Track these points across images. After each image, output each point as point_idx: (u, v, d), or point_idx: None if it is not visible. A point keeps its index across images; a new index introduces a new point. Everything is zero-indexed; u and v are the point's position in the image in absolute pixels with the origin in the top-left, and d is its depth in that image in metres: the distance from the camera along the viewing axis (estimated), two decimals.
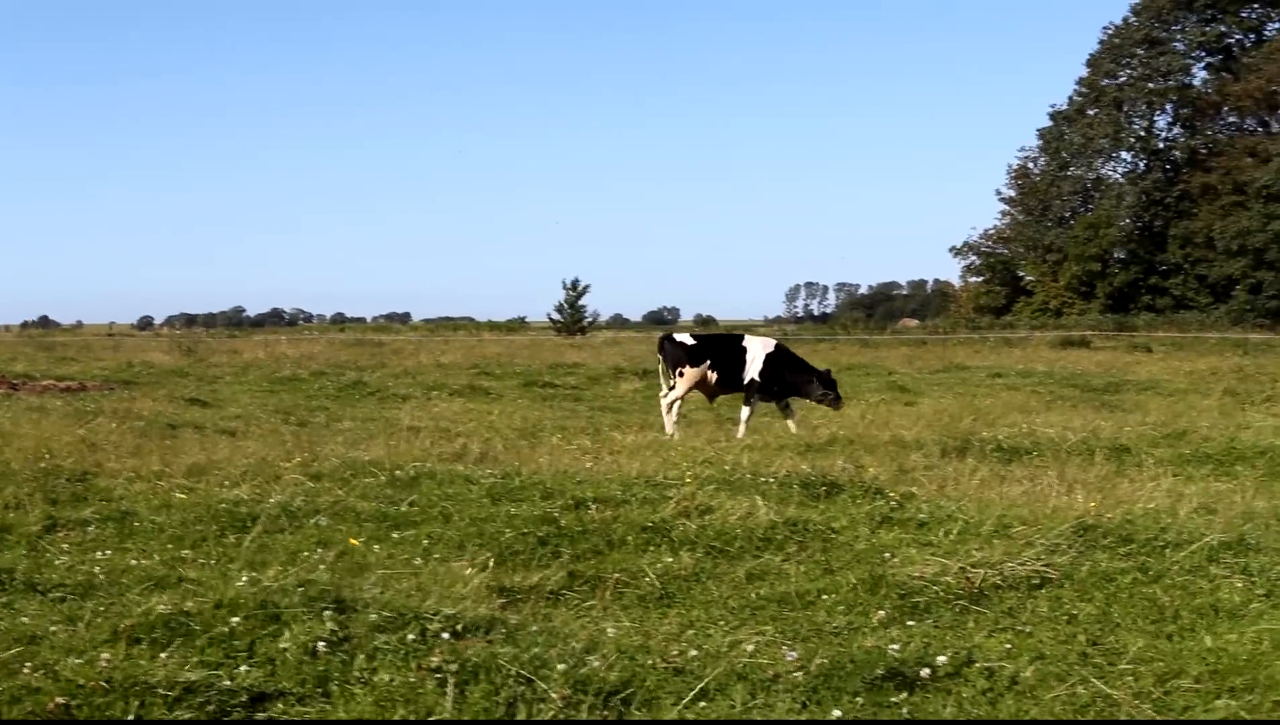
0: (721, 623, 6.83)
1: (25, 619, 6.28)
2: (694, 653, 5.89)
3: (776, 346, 17.51)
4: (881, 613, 6.93)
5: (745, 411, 16.95)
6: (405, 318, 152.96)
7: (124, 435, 14.35)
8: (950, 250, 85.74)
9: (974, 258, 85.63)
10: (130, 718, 5.00)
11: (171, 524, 9.08)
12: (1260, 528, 8.88)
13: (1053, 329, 64.42)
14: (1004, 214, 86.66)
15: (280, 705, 5.23)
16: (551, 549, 8.45)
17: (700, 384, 17.25)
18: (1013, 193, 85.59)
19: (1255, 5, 77.50)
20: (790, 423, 16.71)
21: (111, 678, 5.19)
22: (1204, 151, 77.27)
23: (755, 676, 5.58)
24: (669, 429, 16.26)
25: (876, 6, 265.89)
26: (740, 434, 15.79)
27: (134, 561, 7.75)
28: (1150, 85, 76.81)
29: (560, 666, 5.43)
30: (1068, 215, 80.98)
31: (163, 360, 32.84)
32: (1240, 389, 24.47)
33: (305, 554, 7.91)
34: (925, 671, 5.69)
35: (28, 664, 5.36)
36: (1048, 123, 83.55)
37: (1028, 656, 6.06)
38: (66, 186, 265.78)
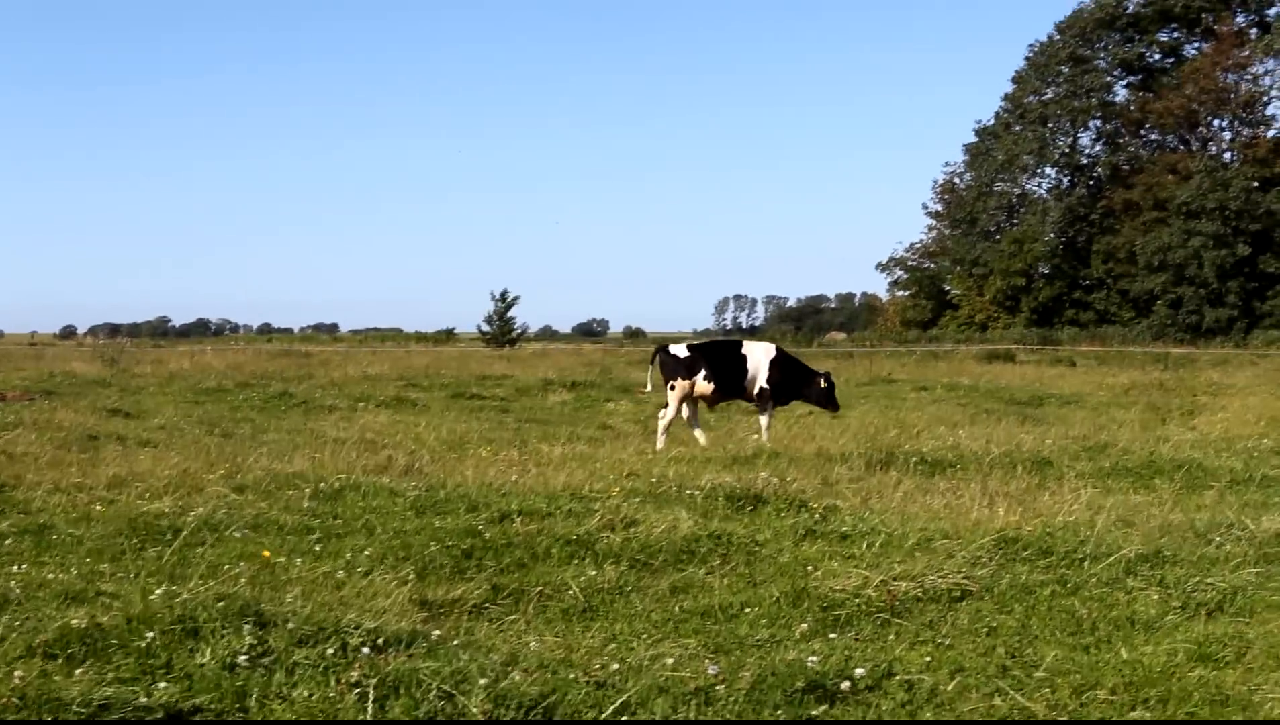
0: (644, 636, 6.85)
1: None
2: (616, 666, 5.90)
3: (778, 352, 17.55)
4: (804, 625, 6.97)
5: (764, 419, 17.09)
6: (333, 328, 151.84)
7: (44, 446, 14.15)
8: (877, 266, 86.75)
9: (900, 272, 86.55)
10: None
11: (90, 537, 8.97)
12: (1177, 540, 9.03)
13: (978, 343, 65.25)
14: (930, 228, 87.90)
15: (197, 721, 5.16)
16: (475, 562, 8.44)
17: (698, 394, 17.17)
18: (939, 207, 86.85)
19: (1173, 27, 79.11)
20: (763, 423, 17.03)
21: (25, 694, 5.10)
22: (1126, 168, 78.80)
23: (677, 690, 5.60)
24: (659, 445, 15.87)
25: (802, 22, 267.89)
26: (764, 440, 15.84)
27: (51, 575, 7.61)
28: (1075, 102, 78.16)
29: (482, 681, 5.41)
30: (993, 230, 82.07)
31: (85, 370, 32.23)
32: (1160, 403, 24.91)
33: (226, 567, 7.81)
34: (845, 684, 5.75)
35: None
36: (974, 138, 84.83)
37: (947, 669, 6.13)
38: None
